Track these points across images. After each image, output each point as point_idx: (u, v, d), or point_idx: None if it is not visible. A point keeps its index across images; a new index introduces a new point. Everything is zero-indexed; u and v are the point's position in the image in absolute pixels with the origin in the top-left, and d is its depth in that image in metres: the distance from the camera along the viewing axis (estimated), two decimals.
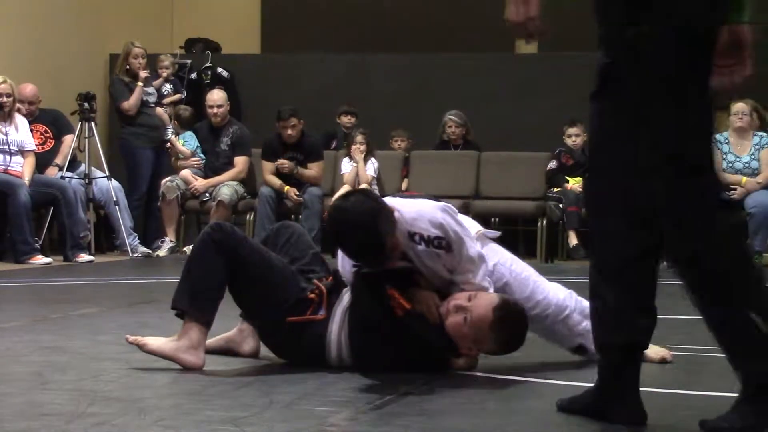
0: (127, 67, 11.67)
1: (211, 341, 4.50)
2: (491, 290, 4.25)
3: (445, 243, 4.10)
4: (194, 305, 4.24)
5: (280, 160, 11.33)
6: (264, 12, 14.68)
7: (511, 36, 3.01)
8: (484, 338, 4.13)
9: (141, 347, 4.27)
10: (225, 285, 4.26)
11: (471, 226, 4.45)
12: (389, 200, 4.23)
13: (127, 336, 4.38)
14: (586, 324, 4.26)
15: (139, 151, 11.60)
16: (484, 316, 4.08)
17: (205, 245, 4.26)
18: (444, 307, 4.17)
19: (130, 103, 11.53)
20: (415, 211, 4.13)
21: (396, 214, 4.10)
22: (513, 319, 4.15)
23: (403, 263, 4.18)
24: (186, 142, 11.67)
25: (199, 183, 11.52)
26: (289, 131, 11.35)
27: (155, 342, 4.28)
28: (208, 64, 12.94)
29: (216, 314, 4.30)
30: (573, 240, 11.02)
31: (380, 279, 4.18)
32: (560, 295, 4.46)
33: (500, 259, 4.41)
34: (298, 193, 11.28)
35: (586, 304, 4.34)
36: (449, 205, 4.29)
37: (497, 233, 4.60)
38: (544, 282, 4.48)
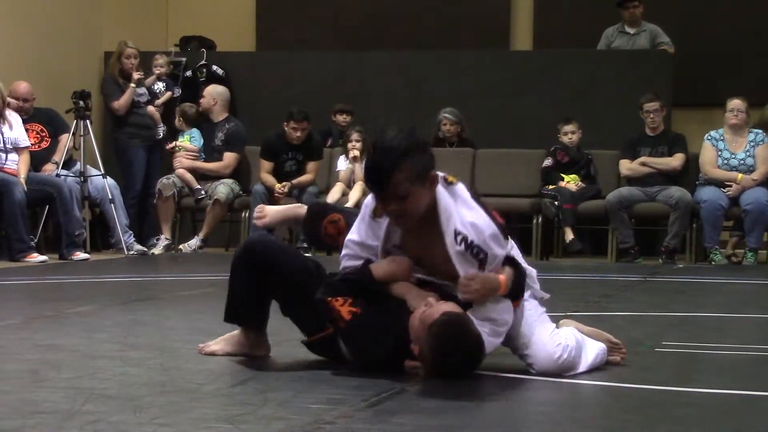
0: (120, 66, 11.69)
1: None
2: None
3: (482, 256, 4.05)
4: (241, 321, 4.51)
5: (278, 186, 11.30)
6: (259, 10, 14.65)
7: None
8: (422, 336, 4.01)
9: (213, 354, 4.52)
10: (265, 297, 4.45)
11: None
12: (460, 190, 4.18)
13: (200, 347, 4.61)
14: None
15: (132, 150, 11.64)
16: (431, 315, 3.99)
17: (235, 268, 4.45)
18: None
19: (120, 103, 11.57)
20: (472, 215, 4.09)
21: (459, 204, 4.09)
22: (454, 332, 3.98)
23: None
24: (193, 138, 11.71)
25: (186, 162, 11.57)
26: (299, 133, 11.37)
27: (221, 345, 4.56)
28: (203, 62, 12.92)
29: (269, 310, 4.49)
30: (569, 235, 11.03)
31: (336, 286, 4.19)
32: (555, 341, 4.26)
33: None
34: (284, 190, 11.27)
35: (574, 357, 4.27)
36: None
37: (546, 295, 4.50)
38: (545, 326, 4.32)
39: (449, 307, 4.03)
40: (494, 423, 3.51)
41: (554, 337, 4.24)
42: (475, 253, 4.04)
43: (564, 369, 4.20)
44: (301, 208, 5.02)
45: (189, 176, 11.56)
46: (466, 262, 4.06)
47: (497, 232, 4.09)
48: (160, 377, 4.12)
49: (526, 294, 4.27)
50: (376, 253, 4.24)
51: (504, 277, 4.07)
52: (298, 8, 14.29)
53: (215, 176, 11.63)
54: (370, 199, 4.26)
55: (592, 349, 4.34)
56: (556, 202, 11.14)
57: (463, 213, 4.08)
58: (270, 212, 5.01)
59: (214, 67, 12.87)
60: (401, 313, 4.11)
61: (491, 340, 4.10)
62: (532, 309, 4.27)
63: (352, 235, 4.30)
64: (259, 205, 5.17)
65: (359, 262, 4.24)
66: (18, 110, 10.76)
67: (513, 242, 4.28)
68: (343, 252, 4.31)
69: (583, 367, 4.27)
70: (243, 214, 11.52)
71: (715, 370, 4.57)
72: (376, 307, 4.14)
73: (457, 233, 4.05)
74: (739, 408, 3.78)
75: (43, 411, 3.43)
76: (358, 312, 4.11)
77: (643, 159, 11.07)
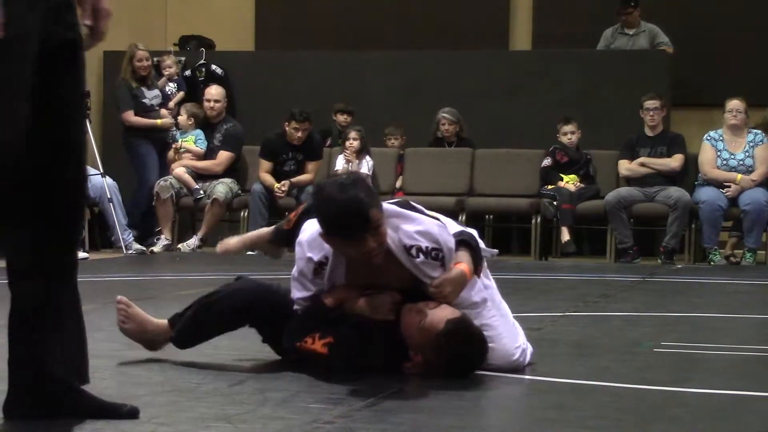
0: (132, 69, 11.64)
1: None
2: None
3: (441, 256, 4.09)
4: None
5: (277, 185, 11.31)
6: (258, 9, 14.66)
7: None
8: (428, 346, 4.05)
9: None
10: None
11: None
12: (391, 207, 4.20)
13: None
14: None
15: (143, 148, 11.61)
16: (435, 325, 4.01)
17: (218, 312, 4.41)
18: (407, 306, 4.14)
19: (130, 119, 11.52)
20: (414, 225, 4.13)
21: (394, 221, 4.10)
22: (463, 338, 4.05)
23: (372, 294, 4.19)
24: (199, 140, 11.72)
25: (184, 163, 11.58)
26: (300, 134, 11.37)
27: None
28: (202, 62, 12.92)
29: None
30: (565, 236, 11.03)
31: (306, 323, 4.19)
32: (515, 343, 4.33)
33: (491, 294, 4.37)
34: (283, 189, 11.28)
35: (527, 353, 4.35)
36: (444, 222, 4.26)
37: (495, 251, 4.59)
38: (508, 325, 4.37)
39: (446, 312, 4.05)
40: (493, 423, 3.52)
41: (515, 337, 4.32)
42: (434, 256, 4.09)
43: (514, 369, 4.27)
44: (264, 232, 4.97)
45: (187, 177, 11.55)
46: (430, 268, 4.11)
47: (440, 224, 4.18)
48: (159, 376, 4.12)
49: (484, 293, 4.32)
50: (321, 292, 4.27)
51: (465, 265, 4.12)
52: (297, 8, 14.30)
53: (209, 174, 11.63)
54: (304, 264, 4.21)
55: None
56: (555, 202, 11.14)
57: (404, 228, 4.11)
58: (231, 243, 4.92)
59: (213, 67, 12.87)
60: (381, 322, 4.14)
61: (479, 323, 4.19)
62: (492, 310, 4.30)
63: (298, 293, 4.26)
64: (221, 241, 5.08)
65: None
66: None
67: (439, 215, 4.34)
68: (295, 307, 4.27)
69: (526, 359, 4.36)
70: (242, 214, 11.52)
71: (713, 371, 4.58)
72: (345, 327, 4.16)
73: (409, 248, 4.09)
74: (736, 408, 3.79)
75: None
76: (332, 341, 4.14)
77: (642, 159, 11.07)
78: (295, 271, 4.27)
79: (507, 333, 4.30)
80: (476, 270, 4.22)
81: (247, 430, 3.23)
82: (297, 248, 4.27)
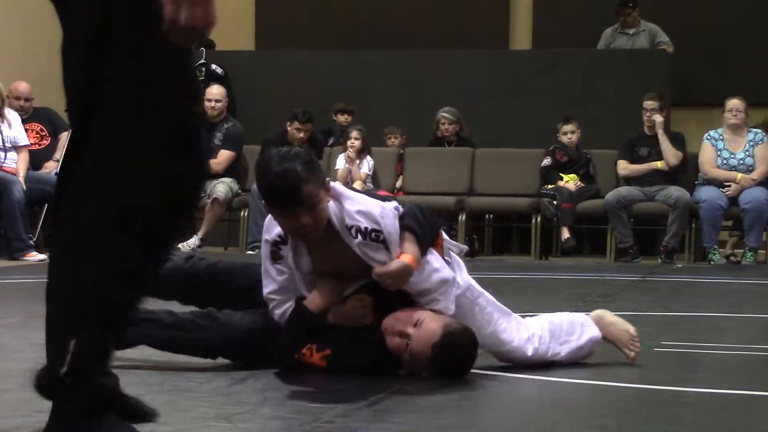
0: None
1: None
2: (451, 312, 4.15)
3: (382, 238, 4.02)
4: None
5: None
6: (258, 8, 14.66)
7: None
8: (420, 367, 4.06)
9: None
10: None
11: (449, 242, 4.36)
12: (338, 188, 4.14)
13: None
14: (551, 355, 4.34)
15: None
16: (422, 351, 3.99)
17: None
18: (387, 324, 4.09)
19: None
20: (356, 205, 4.06)
21: (340, 200, 4.04)
22: (452, 356, 4.02)
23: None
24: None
25: None
26: (302, 134, 11.39)
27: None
28: (202, 61, 12.92)
29: None
30: (565, 234, 11.03)
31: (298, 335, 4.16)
32: (524, 335, 4.33)
33: (469, 288, 4.31)
34: None
35: (550, 344, 4.35)
36: (398, 206, 4.18)
37: (464, 248, 4.53)
38: (509, 320, 4.34)
39: (429, 331, 4.00)
40: (493, 423, 3.52)
41: (521, 332, 4.30)
42: (374, 237, 4.01)
43: (541, 356, 4.30)
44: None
45: None
46: (372, 251, 4.03)
47: (383, 207, 4.06)
48: (159, 376, 4.11)
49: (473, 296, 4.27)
50: (296, 288, 4.19)
51: (409, 255, 4.01)
52: (297, 7, 14.30)
53: (210, 174, 11.62)
54: (264, 249, 4.18)
55: (583, 335, 4.41)
56: (555, 202, 11.14)
57: (347, 207, 4.04)
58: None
59: (213, 66, 12.88)
60: (370, 335, 4.11)
61: (446, 306, 4.11)
62: (488, 307, 4.29)
63: (267, 288, 4.20)
64: None
65: (288, 305, 4.19)
66: (18, 110, 10.77)
67: (393, 200, 4.26)
68: (270, 307, 4.21)
69: (566, 352, 4.36)
70: (242, 213, 11.53)
71: (714, 370, 4.58)
72: (341, 336, 4.14)
73: (349, 228, 4.02)
74: (737, 408, 3.78)
75: (42, 410, 3.42)
76: (330, 353, 4.13)
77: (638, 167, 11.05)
78: (264, 286, 4.22)
79: (507, 332, 4.28)
80: (428, 248, 4.10)
81: (247, 429, 3.23)
82: (263, 260, 4.22)
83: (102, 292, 2.67)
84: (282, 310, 4.21)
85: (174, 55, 2.63)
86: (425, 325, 4.02)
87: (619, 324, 4.50)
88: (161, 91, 2.66)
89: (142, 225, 2.67)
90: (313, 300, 4.15)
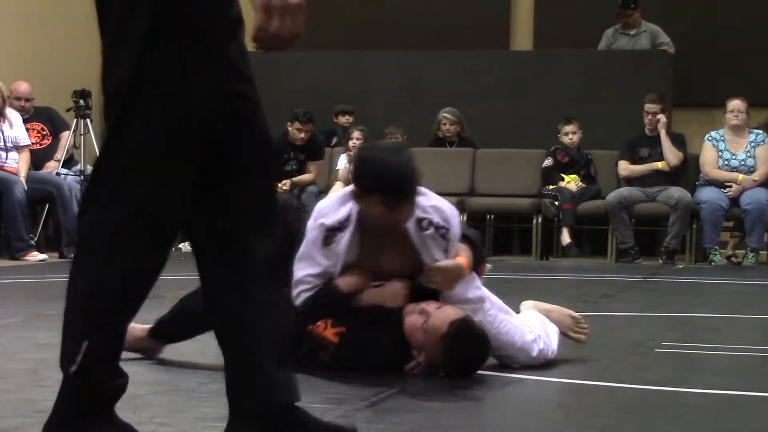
0: None
1: None
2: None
3: (448, 236, 4.14)
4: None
5: (277, 184, 11.35)
6: None
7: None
8: (432, 347, 4.04)
9: None
10: None
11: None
12: None
13: None
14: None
15: None
16: (439, 326, 4.01)
17: None
18: (409, 306, 4.14)
19: None
20: (429, 200, 4.19)
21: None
22: (466, 339, 4.04)
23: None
24: None
25: None
26: (303, 134, 11.40)
27: None
28: None
29: None
30: (566, 238, 11.03)
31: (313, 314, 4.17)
32: (528, 337, 4.35)
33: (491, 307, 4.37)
34: (285, 188, 11.31)
35: (549, 344, 4.39)
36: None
37: (489, 266, 4.65)
38: (513, 322, 4.37)
39: (450, 313, 4.06)
40: (494, 423, 3.52)
41: (526, 334, 4.33)
42: (442, 234, 4.14)
43: (544, 356, 4.35)
44: None
45: None
46: (434, 246, 4.13)
47: (452, 208, 4.26)
48: (161, 376, 4.12)
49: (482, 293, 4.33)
50: (332, 277, 4.21)
51: (464, 259, 4.17)
52: None
53: None
54: (315, 233, 4.18)
55: (554, 332, 4.48)
56: (556, 202, 11.15)
57: (421, 201, 4.13)
58: None
59: None
60: (390, 319, 4.13)
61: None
62: (492, 308, 4.32)
63: (306, 270, 4.18)
64: None
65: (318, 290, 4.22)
66: (19, 110, 10.78)
67: None
68: (300, 288, 4.17)
69: (552, 351, 4.41)
70: None
71: (714, 371, 4.58)
72: (358, 319, 4.16)
73: (421, 220, 4.13)
74: (737, 408, 3.79)
75: (42, 410, 3.43)
76: (344, 330, 4.14)
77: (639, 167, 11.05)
78: (301, 249, 4.22)
79: (511, 332, 4.31)
80: (476, 268, 4.25)
81: None
82: (309, 222, 4.23)
83: (120, 296, 2.70)
84: (311, 294, 4.21)
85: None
86: (446, 308, 4.10)
87: (556, 310, 4.62)
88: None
89: (164, 230, 2.70)
90: (345, 280, 4.19)
